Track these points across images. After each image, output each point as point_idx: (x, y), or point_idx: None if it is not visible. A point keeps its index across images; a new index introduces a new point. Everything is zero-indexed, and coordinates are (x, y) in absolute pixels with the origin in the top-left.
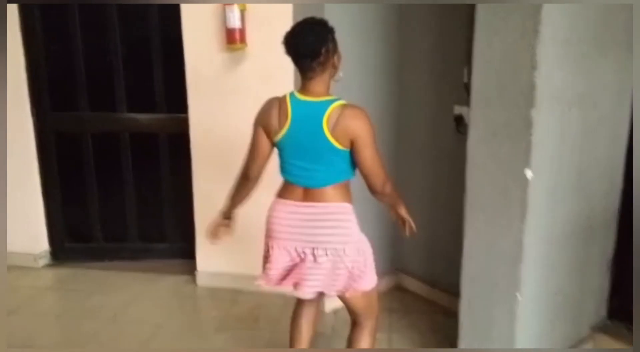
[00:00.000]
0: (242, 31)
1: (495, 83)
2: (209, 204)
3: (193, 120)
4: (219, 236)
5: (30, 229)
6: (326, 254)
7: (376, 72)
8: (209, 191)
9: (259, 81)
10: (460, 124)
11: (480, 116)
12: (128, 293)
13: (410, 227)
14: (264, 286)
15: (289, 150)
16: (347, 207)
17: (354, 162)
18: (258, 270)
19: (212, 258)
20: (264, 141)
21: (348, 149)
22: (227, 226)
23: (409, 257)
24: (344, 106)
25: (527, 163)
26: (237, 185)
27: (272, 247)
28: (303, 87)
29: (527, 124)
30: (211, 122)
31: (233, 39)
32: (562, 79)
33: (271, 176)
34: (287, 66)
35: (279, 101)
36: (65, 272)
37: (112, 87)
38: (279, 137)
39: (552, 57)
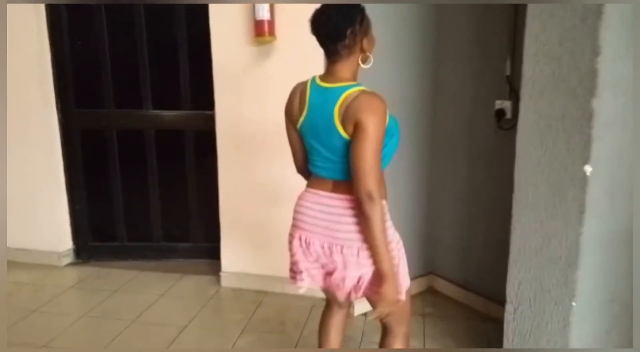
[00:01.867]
0: (271, 23)
1: (551, 71)
2: (234, 204)
3: (219, 117)
4: None
5: (54, 227)
6: (350, 253)
7: (411, 64)
8: (234, 190)
9: (289, 76)
10: (501, 119)
11: (532, 108)
12: (151, 293)
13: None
14: (297, 286)
15: (309, 139)
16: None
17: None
18: (284, 271)
19: (237, 259)
20: (291, 131)
21: None
22: None
23: (443, 259)
24: (360, 92)
25: (586, 158)
26: None
27: (295, 238)
28: (327, 71)
29: (587, 116)
30: (238, 119)
31: (262, 31)
32: (627, 66)
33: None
34: (318, 60)
35: (302, 87)
36: (88, 271)
37: (137, 84)
38: (299, 124)
39: (616, 42)
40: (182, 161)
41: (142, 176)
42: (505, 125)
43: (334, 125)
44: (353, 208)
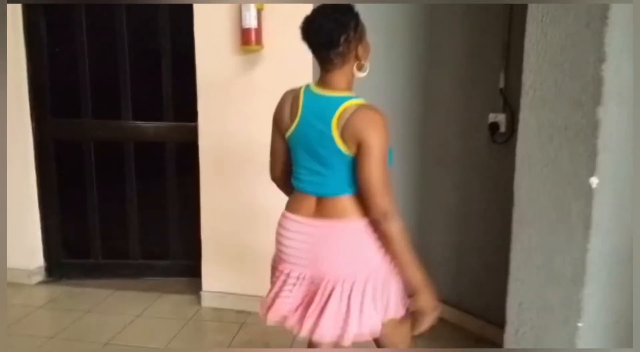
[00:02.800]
0: (258, 31)
1: (553, 79)
2: (216, 219)
3: (202, 129)
4: None
5: (24, 243)
6: (334, 288)
7: (400, 76)
8: (217, 205)
9: (276, 86)
10: (495, 132)
11: (533, 119)
12: (126, 314)
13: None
14: (262, 317)
15: (299, 150)
16: (364, 225)
17: None
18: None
19: (218, 277)
20: (277, 139)
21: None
22: None
23: (433, 277)
24: (360, 106)
25: (591, 170)
26: None
27: (282, 272)
28: (320, 79)
29: (593, 126)
30: (222, 131)
31: (248, 39)
32: (632, 73)
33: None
34: (306, 69)
35: (294, 94)
36: (60, 290)
37: (117, 93)
38: (289, 133)
39: (620, 47)
40: (163, 174)
41: (119, 189)
42: (499, 139)
43: (331, 137)
44: (337, 235)
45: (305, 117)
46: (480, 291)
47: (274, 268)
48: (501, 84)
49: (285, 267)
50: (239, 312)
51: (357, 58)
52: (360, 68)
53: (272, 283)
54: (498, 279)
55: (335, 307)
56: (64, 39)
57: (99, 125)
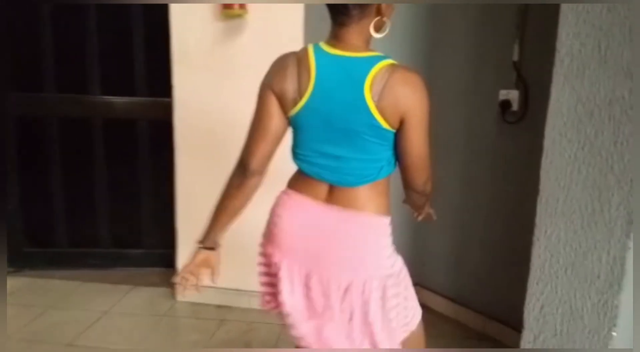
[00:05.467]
0: None
1: (595, 44)
2: (194, 205)
3: (178, 105)
4: (199, 281)
5: None
6: (346, 291)
7: (402, 49)
8: (194, 189)
9: (262, 56)
10: (506, 111)
11: (568, 91)
12: (93, 310)
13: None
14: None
15: (311, 128)
16: (385, 223)
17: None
18: (250, 284)
19: None
20: (276, 114)
21: (395, 130)
22: (210, 264)
23: (433, 270)
24: (393, 67)
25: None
26: (228, 185)
27: (274, 262)
28: (334, 37)
29: None
30: (200, 107)
31: (230, 3)
32: None
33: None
34: (297, 38)
35: (298, 57)
36: (20, 282)
37: (83, 65)
38: (297, 108)
39: None
40: (135, 155)
41: (87, 171)
42: (511, 118)
43: (364, 107)
44: (356, 230)
45: (322, 85)
46: (482, 284)
47: (263, 253)
48: (515, 57)
49: (279, 258)
50: (218, 307)
51: (378, 12)
52: (380, 27)
53: (264, 274)
54: (502, 274)
55: (360, 317)
56: (25, 5)
57: (63, 100)
